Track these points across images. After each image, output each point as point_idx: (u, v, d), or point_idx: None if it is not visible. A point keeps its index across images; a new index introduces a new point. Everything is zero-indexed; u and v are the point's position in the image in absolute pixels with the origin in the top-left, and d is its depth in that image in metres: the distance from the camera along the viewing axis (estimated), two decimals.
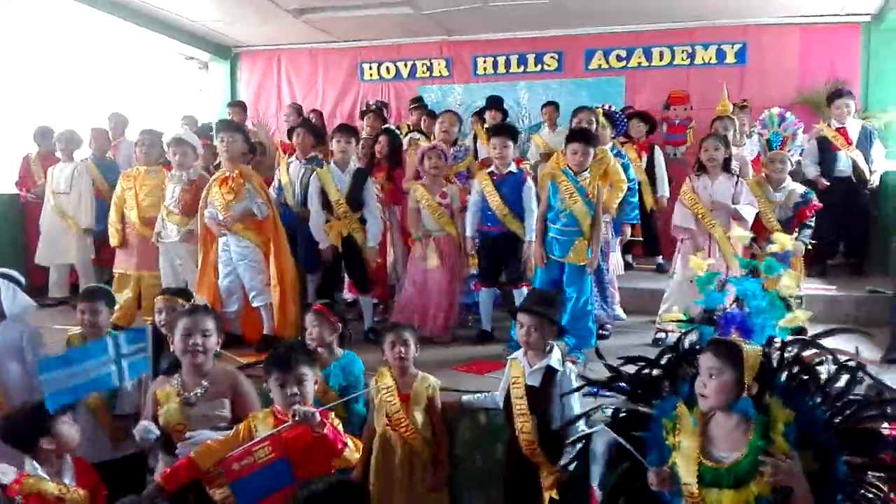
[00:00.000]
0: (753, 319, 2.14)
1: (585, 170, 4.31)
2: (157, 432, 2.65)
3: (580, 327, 4.22)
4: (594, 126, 4.88)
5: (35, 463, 2.59)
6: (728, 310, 2.23)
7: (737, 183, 4.51)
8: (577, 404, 2.91)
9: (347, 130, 4.90)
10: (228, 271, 4.48)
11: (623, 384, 2.49)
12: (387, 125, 6.39)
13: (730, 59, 7.89)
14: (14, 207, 6.21)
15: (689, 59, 8.00)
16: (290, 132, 6.17)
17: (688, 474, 2.06)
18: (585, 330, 4.27)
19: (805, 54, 7.61)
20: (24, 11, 6.73)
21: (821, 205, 4.71)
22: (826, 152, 6.14)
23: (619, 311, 5.13)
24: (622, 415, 2.43)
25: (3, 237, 6.05)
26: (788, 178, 4.71)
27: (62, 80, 7.24)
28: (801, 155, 5.61)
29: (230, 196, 4.33)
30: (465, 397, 3.29)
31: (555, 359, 2.99)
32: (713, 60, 7.92)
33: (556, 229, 4.32)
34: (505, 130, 4.70)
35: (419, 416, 3.10)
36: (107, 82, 7.81)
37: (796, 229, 4.52)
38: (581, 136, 4.32)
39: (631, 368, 2.51)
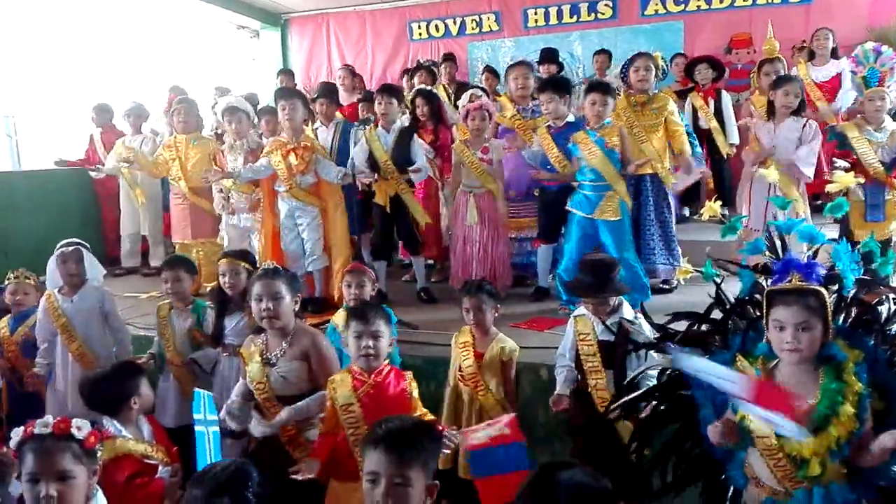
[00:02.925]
0: (838, 266, 2.08)
1: (605, 120, 4.19)
2: (233, 426, 2.79)
3: (628, 283, 4.13)
4: (653, 73, 4.71)
5: (117, 424, 2.66)
6: (790, 255, 2.16)
7: (804, 126, 4.36)
8: (655, 355, 2.77)
9: (389, 91, 4.89)
10: (294, 236, 4.62)
11: (671, 343, 2.41)
12: (421, 86, 6.28)
13: None
14: (85, 181, 6.40)
15: (750, 0, 7.62)
16: (311, 101, 5.56)
17: (764, 427, 2.01)
18: (635, 285, 4.12)
19: None
20: None
21: None
22: None
23: (686, 264, 4.98)
24: (668, 374, 2.38)
25: (76, 210, 6.30)
26: (888, 118, 4.44)
27: (119, 56, 7.41)
28: None
29: (302, 166, 4.43)
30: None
31: (627, 312, 2.96)
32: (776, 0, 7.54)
33: (586, 185, 4.22)
34: (549, 85, 4.59)
35: (491, 376, 3.13)
36: (163, 56, 7.96)
37: None
38: (598, 87, 4.24)
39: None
